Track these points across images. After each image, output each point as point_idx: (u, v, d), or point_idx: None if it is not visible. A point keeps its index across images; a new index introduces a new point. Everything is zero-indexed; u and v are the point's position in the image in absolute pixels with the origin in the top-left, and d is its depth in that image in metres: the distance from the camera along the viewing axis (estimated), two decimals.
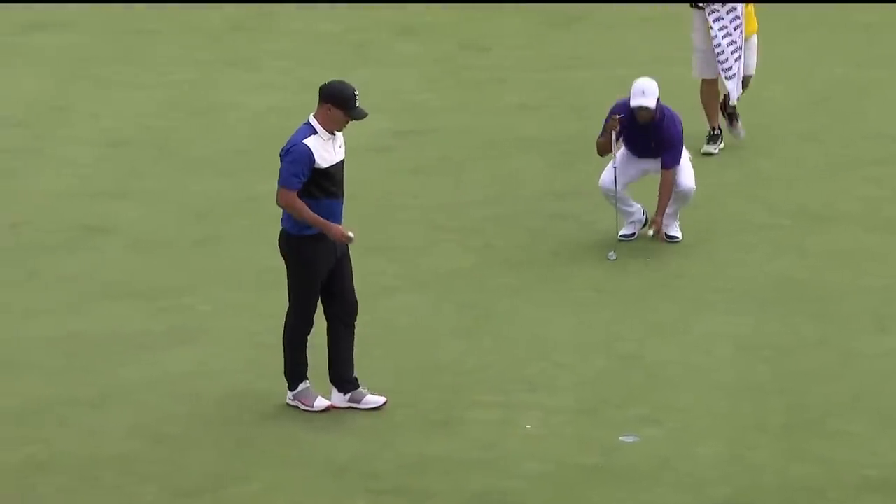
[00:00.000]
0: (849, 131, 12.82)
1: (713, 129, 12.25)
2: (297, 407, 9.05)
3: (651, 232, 10.89)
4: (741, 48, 12.01)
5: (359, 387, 9.09)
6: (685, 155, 10.96)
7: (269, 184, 11.34)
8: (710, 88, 12.24)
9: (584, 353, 9.66)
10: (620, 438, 8.77)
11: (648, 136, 10.82)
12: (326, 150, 8.75)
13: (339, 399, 9.07)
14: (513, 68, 14.45)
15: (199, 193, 12.09)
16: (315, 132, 8.73)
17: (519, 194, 11.97)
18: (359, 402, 9.05)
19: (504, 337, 9.29)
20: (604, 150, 10.99)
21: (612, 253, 10.85)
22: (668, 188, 10.77)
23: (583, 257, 10.92)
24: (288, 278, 9.03)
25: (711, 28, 11.99)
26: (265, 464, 8.61)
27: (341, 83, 8.77)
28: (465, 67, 14.58)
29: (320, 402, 9.05)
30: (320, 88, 8.76)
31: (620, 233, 11.05)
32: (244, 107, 13.76)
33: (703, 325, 9.95)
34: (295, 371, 9.08)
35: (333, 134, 8.79)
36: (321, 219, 8.79)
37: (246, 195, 12.04)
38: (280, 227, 9.08)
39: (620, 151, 10.98)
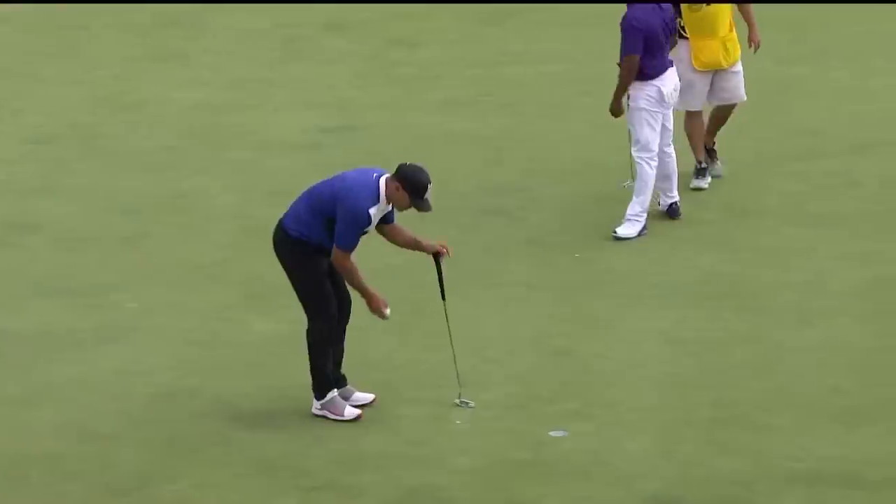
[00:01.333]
0: (773, 127, 12.94)
1: (699, 162, 11.76)
2: (326, 417, 8.91)
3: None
4: None
5: (347, 384, 9.05)
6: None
7: (198, 180, 11.39)
8: (694, 121, 11.67)
9: (514, 348, 9.69)
10: (550, 433, 8.80)
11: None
12: (378, 216, 8.70)
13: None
14: (443, 64, 14.49)
15: (128, 190, 12.03)
16: (379, 201, 8.64)
17: (450, 190, 11.98)
18: (348, 398, 9.02)
19: (435, 333, 9.29)
20: (617, 113, 11.10)
21: (628, 181, 11.28)
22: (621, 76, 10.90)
23: (514, 253, 10.96)
24: (295, 284, 8.78)
25: None
26: (195, 462, 8.59)
27: (422, 170, 8.68)
28: (395, 63, 14.59)
29: (350, 412, 8.92)
30: (400, 165, 8.69)
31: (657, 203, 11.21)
32: (173, 102, 13.71)
33: (632, 320, 10.02)
34: (322, 380, 8.89)
35: (389, 204, 8.73)
36: (369, 287, 8.72)
37: (175, 192, 12.00)
38: (276, 229, 8.80)
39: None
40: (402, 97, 13.77)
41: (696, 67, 11.63)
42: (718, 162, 11.99)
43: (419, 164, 8.76)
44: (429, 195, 8.70)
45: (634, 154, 11.11)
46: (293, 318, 9.80)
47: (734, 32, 11.80)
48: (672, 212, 11.34)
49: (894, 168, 12.18)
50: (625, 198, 11.43)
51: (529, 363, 9.54)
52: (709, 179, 11.87)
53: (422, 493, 8.31)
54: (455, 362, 9.08)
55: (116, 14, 15.76)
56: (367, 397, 9.07)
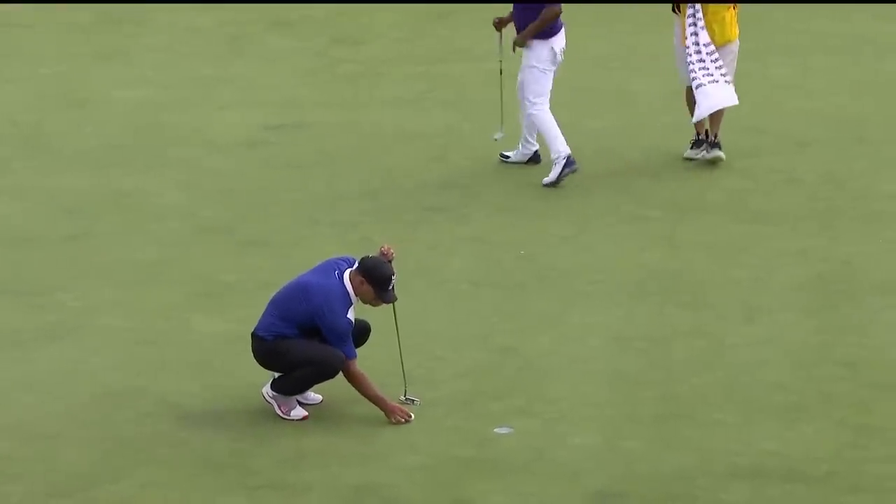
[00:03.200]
0: None
1: (697, 134, 12.04)
2: (272, 406, 8.93)
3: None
4: (715, 53, 11.71)
5: None
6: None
7: (142, 178, 11.34)
8: (690, 95, 11.82)
9: (460, 345, 9.72)
10: (495, 430, 8.83)
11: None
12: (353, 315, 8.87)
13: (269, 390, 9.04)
14: (388, 62, 14.48)
15: (71, 189, 11.97)
16: (351, 303, 8.80)
17: (395, 188, 12.01)
18: (301, 394, 9.03)
19: (379, 331, 9.30)
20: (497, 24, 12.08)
21: (498, 133, 11.96)
22: (544, 17, 11.67)
23: (458, 250, 10.99)
24: (298, 360, 8.79)
25: (690, 31, 11.59)
26: (139, 462, 8.56)
27: (384, 263, 8.83)
28: (340, 61, 14.58)
29: (297, 413, 8.95)
30: (362, 259, 8.81)
31: (502, 153, 12.20)
32: (117, 101, 13.65)
33: (577, 317, 10.06)
34: (297, 390, 8.91)
35: (357, 298, 8.86)
36: (381, 395, 8.84)
37: (119, 190, 11.95)
38: (252, 344, 8.88)
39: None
40: (347, 95, 13.76)
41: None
42: (718, 149, 12.10)
43: (379, 258, 8.89)
44: (392, 287, 8.83)
45: (531, 107, 11.72)
46: (239, 318, 9.82)
47: (732, 12, 11.84)
48: (535, 158, 12.10)
49: (834, 165, 12.28)
50: (568, 192, 11.49)
51: (475, 360, 9.57)
52: (704, 153, 12.11)
53: (367, 491, 8.33)
54: (401, 360, 9.10)
55: (59, 13, 15.66)
56: (317, 398, 9.08)
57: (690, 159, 12.16)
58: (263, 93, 13.81)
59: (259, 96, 13.76)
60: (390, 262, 8.94)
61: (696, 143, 12.18)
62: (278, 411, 8.96)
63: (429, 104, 13.52)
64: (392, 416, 8.89)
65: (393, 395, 9.09)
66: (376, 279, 8.80)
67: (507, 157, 12.25)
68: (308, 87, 13.96)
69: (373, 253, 9.05)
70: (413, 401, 9.06)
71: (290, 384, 8.93)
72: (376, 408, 8.97)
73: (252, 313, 9.83)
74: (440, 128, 13.01)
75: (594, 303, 10.22)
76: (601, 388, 9.24)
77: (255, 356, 8.97)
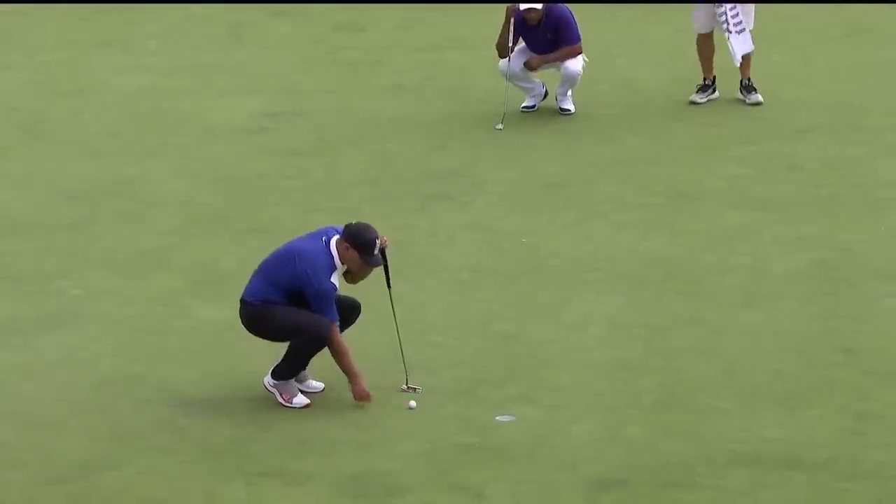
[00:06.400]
0: (715, 112, 13.03)
1: (705, 79, 12.92)
2: (273, 395, 8.95)
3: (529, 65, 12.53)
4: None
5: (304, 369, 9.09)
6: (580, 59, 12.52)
7: (142, 166, 11.35)
8: (705, 42, 12.87)
9: (460, 333, 9.74)
10: (497, 418, 8.85)
11: (545, 32, 12.49)
12: (339, 281, 8.90)
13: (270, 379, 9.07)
14: (388, 49, 14.50)
15: (70, 176, 11.97)
16: (335, 267, 8.83)
17: (395, 175, 12.03)
18: (302, 382, 9.06)
19: (380, 318, 9.32)
20: (503, 51, 12.55)
21: (499, 124, 12.23)
22: (564, 54, 12.46)
23: (459, 238, 11.01)
24: (284, 327, 8.83)
25: None
26: (139, 449, 8.59)
27: (368, 228, 8.88)
28: (340, 48, 14.60)
29: (299, 400, 8.97)
30: (346, 226, 8.87)
31: (522, 104, 12.71)
32: (116, 88, 13.65)
33: (577, 305, 10.08)
34: (296, 369, 8.93)
35: (344, 265, 8.90)
36: (355, 368, 8.84)
37: (118, 177, 11.96)
38: (240, 309, 8.91)
39: (520, 47, 12.55)
40: (347, 82, 13.77)
41: None
42: (755, 92, 12.98)
43: (364, 222, 8.92)
44: (378, 251, 8.87)
45: (579, 64, 12.51)
46: (238, 306, 9.80)
47: None
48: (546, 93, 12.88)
49: (833, 152, 12.31)
50: (569, 180, 11.45)
51: (476, 348, 9.59)
52: (712, 96, 12.93)
53: (367, 478, 8.35)
54: (401, 348, 9.11)
55: None
56: (319, 386, 9.10)
57: (695, 103, 12.92)
58: (263, 80, 13.82)
59: (259, 83, 13.78)
60: (383, 249, 8.95)
61: (703, 88, 12.93)
62: (280, 399, 8.98)
63: (429, 92, 13.52)
64: (357, 395, 8.89)
65: (394, 384, 9.11)
66: (361, 243, 8.82)
67: (533, 106, 12.73)
68: (308, 74, 13.98)
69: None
70: (415, 389, 9.07)
71: (287, 364, 8.93)
72: (377, 395, 8.96)
73: None
74: (440, 115, 13.02)
75: (595, 290, 10.24)
76: (601, 376, 9.26)
77: (242, 322, 8.96)
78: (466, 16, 15.28)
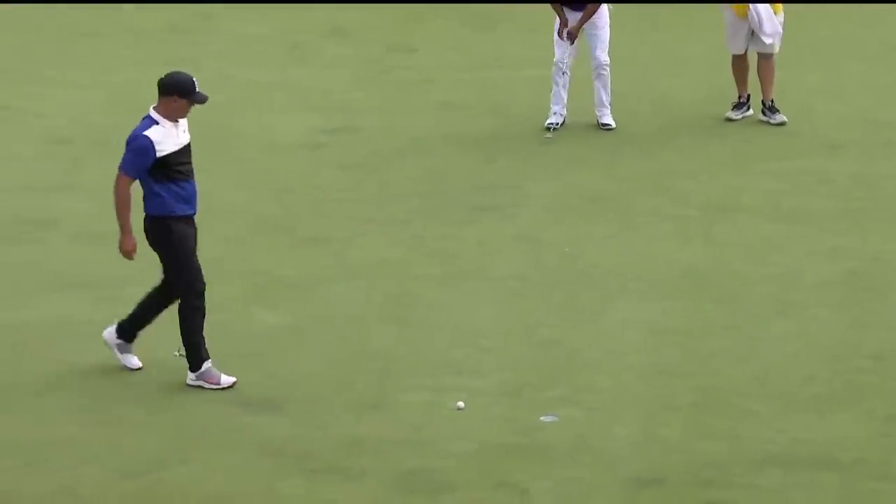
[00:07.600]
0: (750, 128, 13.13)
1: (740, 97, 13.14)
2: (202, 387, 9.26)
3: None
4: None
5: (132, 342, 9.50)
6: (606, 15, 12.86)
7: (206, 178, 11.56)
8: (739, 62, 13.06)
9: (506, 338, 9.86)
10: (541, 418, 8.99)
11: None
12: (170, 136, 9.15)
13: (109, 335, 9.46)
14: (438, 69, 14.58)
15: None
16: (156, 124, 9.14)
17: (444, 188, 12.07)
18: (122, 354, 9.47)
19: (431, 324, 9.51)
20: (563, 32, 12.96)
21: (549, 134, 12.60)
22: (590, 11, 12.78)
23: (506, 248, 11.13)
24: (165, 261, 9.25)
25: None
26: (204, 446, 8.74)
27: (179, 73, 9.20)
28: (394, 68, 14.66)
29: (226, 380, 9.27)
30: (160, 82, 9.17)
31: (547, 122, 12.94)
32: None
33: (618, 312, 10.20)
34: (198, 352, 9.29)
35: (177, 122, 9.19)
36: (128, 224, 9.19)
37: None
38: (144, 215, 9.29)
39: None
40: (399, 100, 13.84)
41: (735, 13, 12.86)
42: (779, 113, 13.07)
43: (174, 71, 9.23)
44: (198, 87, 9.13)
45: (606, 64, 12.80)
46: (296, 311, 10.03)
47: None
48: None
49: (864, 166, 12.39)
50: (610, 193, 11.68)
51: (521, 352, 9.71)
52: (747, 113, 13.14)
53: (419, 476, 8.50)
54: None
55: (124, 19, 15.79)
56: (136, 363, 9.47)
57: (731, 120, 13.09)
58: (320, 97, 13.85)
59: (316, 101, 13.79)
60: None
61: (738, 106, 13.18)
62: (209, 386, 9.26)
63: (477, 109, 13.59)
64: (121, 249, 9.24)
65: (443, 386, 9.27)
66: (183, 89, 9.10)
67: (556, 124, 12.93)
68: (362, 92, 14.04)
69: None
70: (182, 355, 9.28)
71: (192, 349, 9.24)
72: (428, 396, 9.16)
73: (309, 307, 10.13)
74: (488, 132, 13.10)
75: (634, 298, 10.36)
76: (640, 380, 9.38)
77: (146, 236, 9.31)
78: (511, 37, 15.30)
